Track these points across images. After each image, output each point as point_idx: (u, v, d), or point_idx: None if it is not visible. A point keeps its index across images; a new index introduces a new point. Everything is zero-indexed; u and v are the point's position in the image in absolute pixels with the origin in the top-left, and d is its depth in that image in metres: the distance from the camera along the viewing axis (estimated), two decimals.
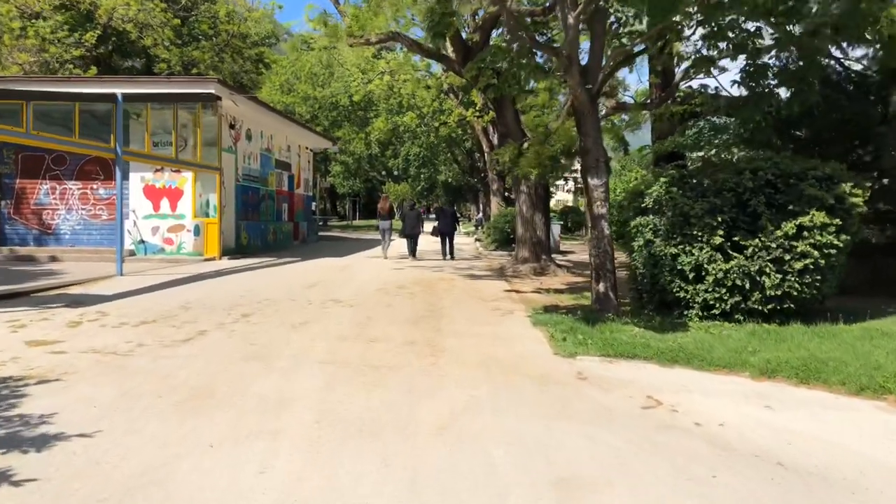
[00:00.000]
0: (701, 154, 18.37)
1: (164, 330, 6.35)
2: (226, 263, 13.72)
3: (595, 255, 7.43)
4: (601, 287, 7.38)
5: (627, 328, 6.68)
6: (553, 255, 14.88)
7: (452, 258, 16.58)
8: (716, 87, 15.91)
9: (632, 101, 16.91)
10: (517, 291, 10.19)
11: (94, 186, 15.06)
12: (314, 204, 46.13)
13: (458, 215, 28.91)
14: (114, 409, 3.87)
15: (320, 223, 41.14)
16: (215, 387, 4.42)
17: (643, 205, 7.81)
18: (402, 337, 6.24)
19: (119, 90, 11.36)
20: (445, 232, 17.06)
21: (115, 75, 20.23)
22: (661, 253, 7.20)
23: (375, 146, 37.53)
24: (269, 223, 19.29)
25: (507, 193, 30.25)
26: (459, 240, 23.44)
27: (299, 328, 6.59)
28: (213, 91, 13.89)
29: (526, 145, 12.74)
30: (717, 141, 15.63)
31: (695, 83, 14.82)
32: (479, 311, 8.03)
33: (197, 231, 14.62)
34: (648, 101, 13.69)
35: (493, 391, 4.50)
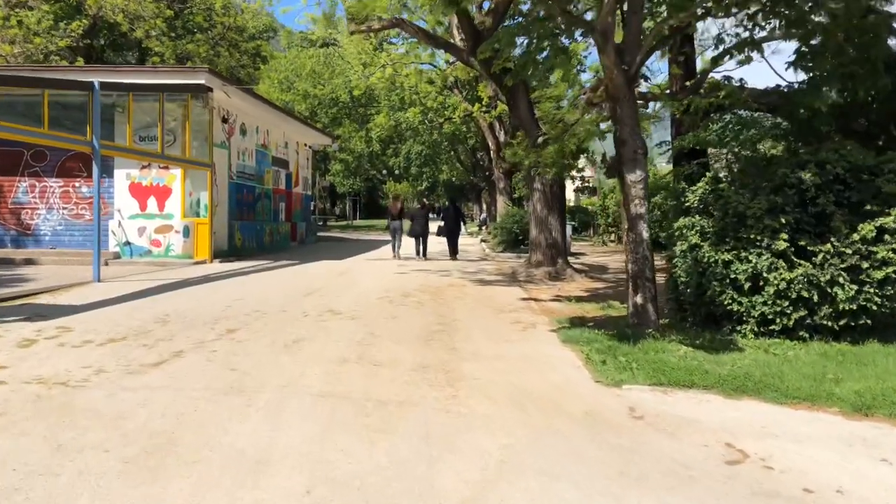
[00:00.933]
0: (724, 151, 17.47)
1: (133, 351, 5.43)
2: (217, 267, 12.80)
3: (632, 261, 6.50)
4: (639, 298, 6.44)
5: (673, 347, 5.76)
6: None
7: (456, 257, 16.61)
8: (740, 79, 15.00)
9: (646, 92, 16.00)
10: (535, 300, 9.26)
11: (77, 184, 14.14)
12: (314, 204, 45.24)
13: (464, 215, 28.05)
14: (37, 474, 2.94)
15: (319, 223, 40.22)
16: (180, 434, 3.50)
17: (686, 204, 6.88)
18: (412, 359, 5.31)
19: (98, 79, 10.45)
20: (452, 232, 16.95)
21: (98, 64, 19.29)
22: (709, 259, 6.27)
23: (376, 144, 36.57)
24: (265, 223, 18.37)
25: (513, 193, 29.36)
26: (463, 241, 22.56)
27: (291, 348, 5.66)
28: (203, 81, 12.98)
29: (541, 140, 11.85)
30: (742, 136, 14.71)
31: (717, 74, 13.89)
32: (498, 324, 7.10)
33: (186, 232, 13.70)
34: (669, 91, 12.77)
35: (533, 439, 3.57)
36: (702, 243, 6.40)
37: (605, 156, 9.46)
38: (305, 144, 23.42)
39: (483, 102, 22.04)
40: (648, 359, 5.32)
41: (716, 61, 8.67)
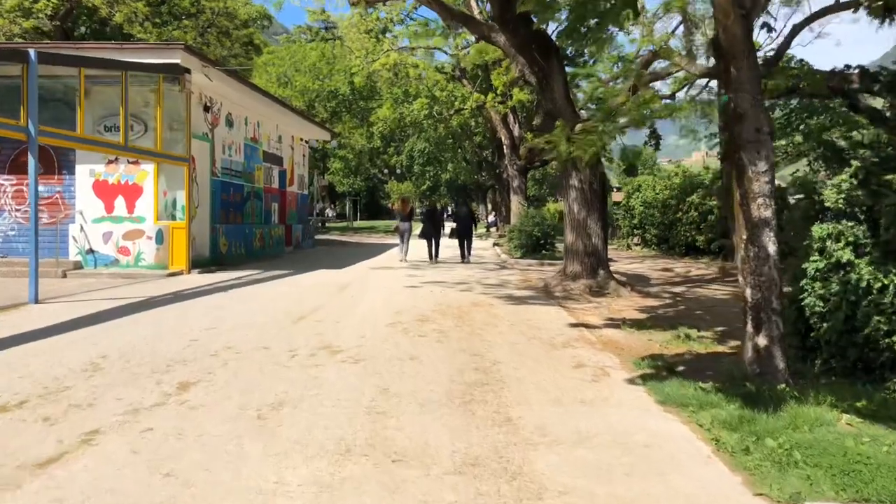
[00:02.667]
0: (784, 142, 15.60)
1: (21, 433, 3.61)
2: (194, 280, 10.97)
3: (753, 285, 4.66)
4: (762, 339, 4.61)
5: (829, 415, 3.95)
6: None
7: (469, 260, 16.33)
8: (801, 60, 13.17)
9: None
10: (586, 325, 7.42)
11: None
12: (318, 205, 43.36)
13: (476, 216, 26.37)
14: None
15: (318, 225, 38.40)
16: None
17: (820, 204, 5.04)
18: (451, 445, 3.49)
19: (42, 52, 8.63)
20: (463, 234, 16.58)
21: (48, 41, 17.43)
22: (869, 284, 4.43)
23: (378, 139, 34.73)
24: (255, 226, 16.55)
25: (527, 192, 27.52)
26: (475, 244, 20.81)
27: (267, 423, 3.83)
28: (178, 61, 11.16)
29: (579, 128, 10.04)
30: (813, 124, 12.88)
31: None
32: (555, 369, 5.26)
33: (160, 238, 11.89)
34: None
35: None
36: (857, 261, 4.55)
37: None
38: (301, 139, 21.61)
39: (497, 91, 20.21)
40: (814, 443, 3.50)
41: (814, 17, 6.82)
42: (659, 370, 5.23)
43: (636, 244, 24.29)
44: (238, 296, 9.26)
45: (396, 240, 28.54)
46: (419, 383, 4.71)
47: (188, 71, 11.58)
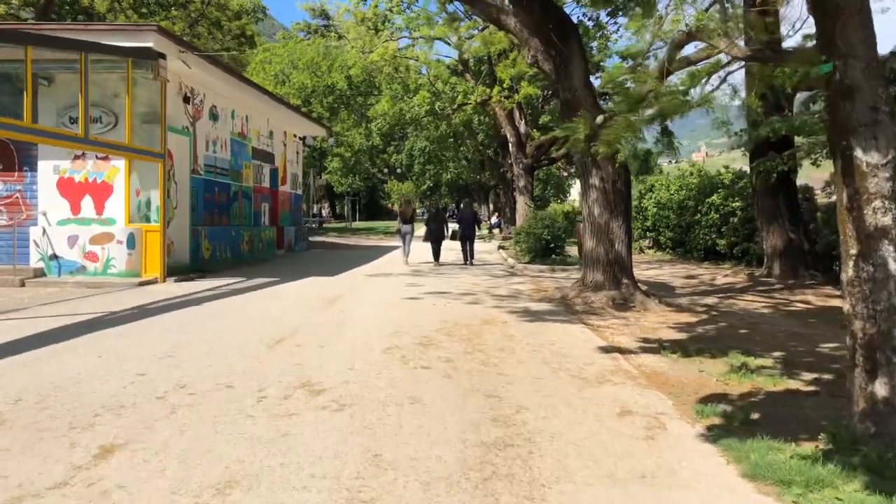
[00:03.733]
0: (808, 139, 14.43)
1: None
2: (167, 290, 9.85)
3: (866, 315, 3.53)
4: (880, 388, 3.48)
5: None
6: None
7: (473, 262, 16.22)
8: None
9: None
10: (619, 350, 6.30)
11: None
12: (318, 206, 42.24)
13: (479, 218, 25.36)
14: None
15: (314, 226, 37.30)
16: None
17: None
18: None
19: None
20: (467, 236, 16.32)
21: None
22: None
23: (377, 137, 33.59)
24: (242, 229, 15.43)
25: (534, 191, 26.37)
26: (478, 247, 19.76)
27: None
28: (150, 44, 10.05)
29: (600, 119, 8.94)
30: None
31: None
32: (597, 418, 4.13)
33: (131, 242, 10.76)
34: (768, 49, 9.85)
35: None
36: None
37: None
38: (295, 135, 20.49)
39: (504, 85, 19.08)
40: None
41: None
42: (729, 420, 4.10)
43: (649, 247, 23.15)
44: (212, 311, 8.12)
45: (395, 242, 27.52)
46: (421, 445, 3.57)
47: (163, 56, 10.46)
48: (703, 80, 8.81)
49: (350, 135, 33.44)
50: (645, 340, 6.89)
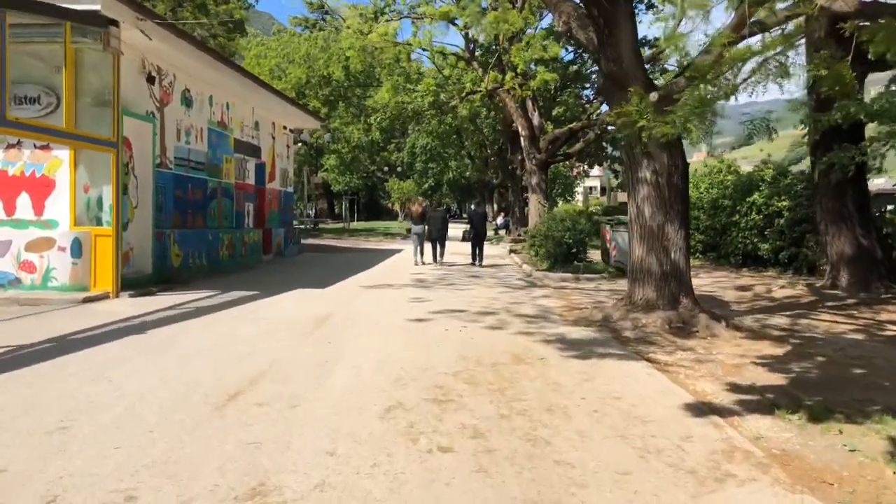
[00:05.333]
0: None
1: None
2: (113, 310, 8.06)
3: None
4: None
5: None
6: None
7: (482, 264, 16.14)
8: None
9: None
10: (715, 409, 4.51)
11: None
12: (310, 205, 40.38)
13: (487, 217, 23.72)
14: None
15: (309, 227, 35.49)
16: None
17: None
18: None
19: None
20: (478, 236, 16.31)
21: None
22: None
23: (376, 132, 31.76)
24: (221, 231, 13.64)
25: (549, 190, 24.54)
26: (487, 249, 18.19)
27: None
28: (97, 7, 8.24)
29: (655, 96, 7.21)
30: None
31: None
32: None
33: (77, 249, 8.97)
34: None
35: None
36: None
37: None
38: (285, 127, 18.69)
39: (517, 71, 17.28)
40: None
41: None
42: None
43: None
44: (157, 342, 6.31)
45: (396, 245, 25.77)
46: None
47: (114, 23, 8.66)
48: (794, 41, 7.00)
49: (348, 130, 31.63)
50: (736, 388, 5.11)
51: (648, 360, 5.98)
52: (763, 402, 4.72)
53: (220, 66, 12.19)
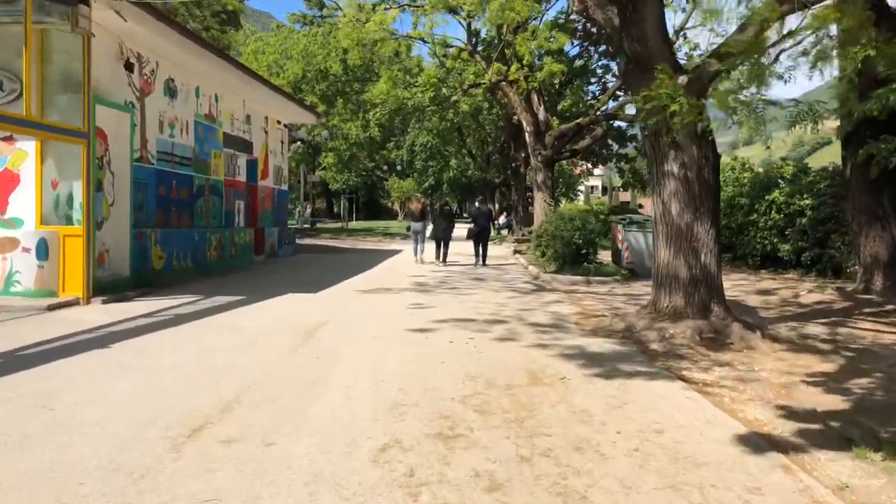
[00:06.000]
0: None
1: None
2: (81, 319, 7.31)
3: None
4: None
5: None
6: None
7: (485, 263, 15.82)
8: None
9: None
10: (776, 443, 3.77)
11: None
12: (304, 205, 39.66)
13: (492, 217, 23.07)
14: None
15: (306, 227, 34.76)
16: None
17: None
18: None
19: None
20: (482, 235, 15.94)
21: None
22: None
23: (374, 129, 30.98)
24: (209, 231, 12.91)
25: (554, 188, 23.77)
26: (491, 250, 17.56)
27: None
28: None
29: (683, 79, 6.56)
30: None
31: None
32: None
33: (43, 250, 8.23)
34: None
35: None
36: None
37: None
38: (279, 122, 17.95)
39: (523, 62, 16.52)
40: None
41: None
42: None
43: None
44: (118, 360, 5.55)
45: (395, 245, 25.03)
46: None
47: (84, 1, 7.92)
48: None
49: (346, 126, 30.87)
50: (793, 414, 4.37)
51: (684, 378, 5.24)
52: (830, 433, 3.99)
53: (206, 54, 11.44)
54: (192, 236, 12.12)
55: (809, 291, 11.02)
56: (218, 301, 8.83)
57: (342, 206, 47.08)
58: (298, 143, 33.30)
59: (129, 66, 9.77)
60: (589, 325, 7.60)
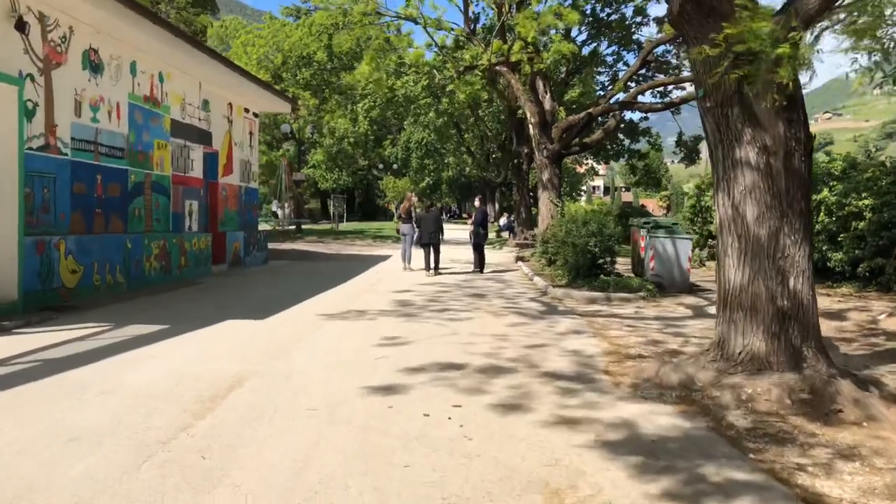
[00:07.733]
0: None
1: None
2: None
3: None
4: None
5: None
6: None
7: (483, 270, 15.10)
8: None
9: None
10: None
11: None
12: (279, 204, 37.46)
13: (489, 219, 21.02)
14: None
15: (290, 228, 32.68)
16: None
17: None
18: None
19: None
20: (480, 239, 15.53)
21: None
22: None
23: (363, 122, 28.86)
24: (149, 237, 10.81)
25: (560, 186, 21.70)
26: (489, 256, 15.77)
27: None
28: None
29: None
30: None
31: None
32: None
33: None
34: None
35: None
36: None
37: None
38: (247, 110, 15.86)
39: (528, 41, 14.44)
40: None
41: None
42: None
43: (708, 259, 18.44)
44: None
45: (383, 250, 22.98)
46: None
47: None
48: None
49: (332, 119, 28.79)
50: None
51: (805, 493, 3.15)
52: None
53: (139, 19, 9.33)
54: (125, 244, 10.03)
55: (890, 315, 8.94)
56: (125, 334, 6.73)
57: (332, 205, 45.01)
58: (290, 137, 31.28)
59: (20, 26, 7.68)
60: (627, 374, 5.50)
